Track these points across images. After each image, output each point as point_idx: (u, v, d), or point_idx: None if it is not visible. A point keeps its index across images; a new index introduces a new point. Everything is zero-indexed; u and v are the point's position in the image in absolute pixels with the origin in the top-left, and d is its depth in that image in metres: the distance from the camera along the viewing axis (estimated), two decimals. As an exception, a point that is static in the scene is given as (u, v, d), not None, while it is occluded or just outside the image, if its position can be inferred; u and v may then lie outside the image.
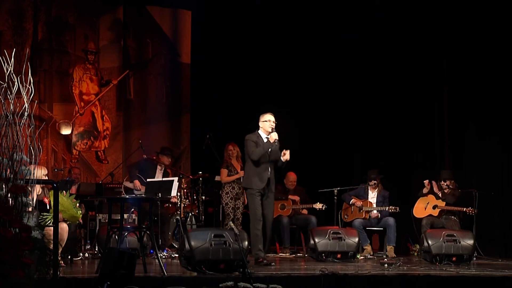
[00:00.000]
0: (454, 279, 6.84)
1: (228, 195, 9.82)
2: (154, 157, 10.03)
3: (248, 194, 8.07)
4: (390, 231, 9.55)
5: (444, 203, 9.51)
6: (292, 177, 10.23)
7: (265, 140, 8.00)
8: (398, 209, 9.56)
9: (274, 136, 7.96)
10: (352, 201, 9.88)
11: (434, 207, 9.55)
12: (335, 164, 11.53)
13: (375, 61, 11.49)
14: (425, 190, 9.63)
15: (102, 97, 11.81)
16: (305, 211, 10.09)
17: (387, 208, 9.60)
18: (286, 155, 7.96)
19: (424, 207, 9.64)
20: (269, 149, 7.92)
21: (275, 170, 8.13)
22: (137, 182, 9.50)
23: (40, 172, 4.81)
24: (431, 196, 9.64)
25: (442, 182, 9.62)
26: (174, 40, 12.24)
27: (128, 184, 9.81)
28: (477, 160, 10.52)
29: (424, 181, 9.65)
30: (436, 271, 7.31)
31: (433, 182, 9.68)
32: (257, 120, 8.12)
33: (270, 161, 7.96)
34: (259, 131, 8.10)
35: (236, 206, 9.81)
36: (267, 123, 8.03)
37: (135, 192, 9.60)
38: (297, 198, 10.08)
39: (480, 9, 10.29)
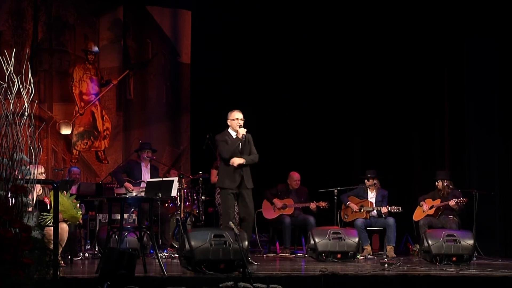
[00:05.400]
0: (454, 279, 6.84)
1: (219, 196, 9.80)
2: (135, 158, 10.01)
3: (221, 194, 8.01)
4: (390, 231, 9.55)
5: (439, 200, 9.51)
6: (296, 176, 10.12)
7: (234, 137, 7.90)
8: (400, 209, 9.56)
9: (242, 131, 7.83)
10: (349, 203, 9.87)
11: (431, 207, 9.55)
12: (335, 164, 11.53)
13: (375, 60, 11.49)
14: (425, 208, 9.62)
15: (102, 97, 11.81)
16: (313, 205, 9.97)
17: (389, 208, 9.59)
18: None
19: (422, 210, 9.65)
20: (239, 144, 7.81)
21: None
22: (128, 185, 9.47)
23: (37, 171, 4.80)
24: (427, 200, 9.63)
25: (440, 182, 9.59)
26: (174, 40, 12.23)
27: (120, 190, 9.70)
28: (477, 160, 10.52)
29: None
30: (436, 271, 7.31)
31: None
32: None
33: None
34: (228, 130, 7.99)
35: None
36: (234, 122, 7.91)
37: (128, 195, 9.54)
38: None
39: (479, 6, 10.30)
